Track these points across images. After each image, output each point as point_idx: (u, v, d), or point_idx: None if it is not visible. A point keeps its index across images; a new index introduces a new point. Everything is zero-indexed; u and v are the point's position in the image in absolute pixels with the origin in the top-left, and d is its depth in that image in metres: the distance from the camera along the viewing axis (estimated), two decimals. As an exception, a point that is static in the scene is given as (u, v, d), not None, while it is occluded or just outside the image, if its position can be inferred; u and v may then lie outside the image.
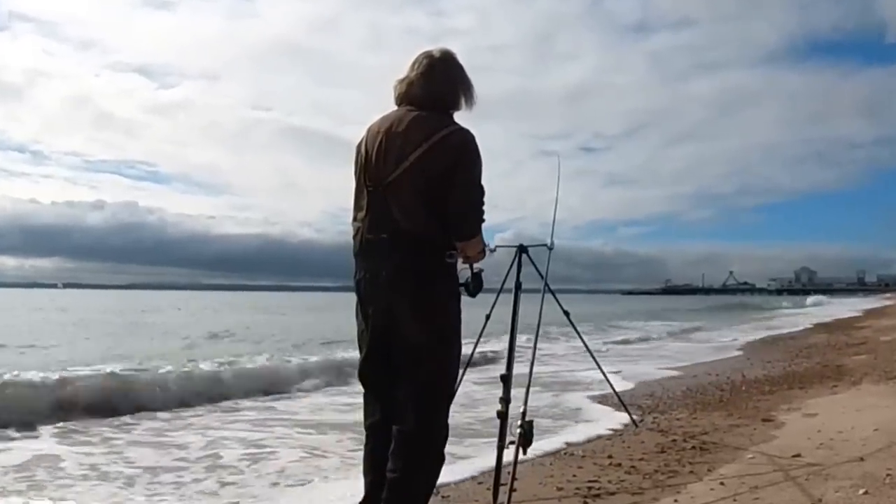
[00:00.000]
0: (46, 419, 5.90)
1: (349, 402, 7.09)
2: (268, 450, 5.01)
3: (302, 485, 4.11)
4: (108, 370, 7.74)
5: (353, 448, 4.91)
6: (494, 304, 4.21)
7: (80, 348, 14.64)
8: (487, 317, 4.37)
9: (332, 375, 8.72)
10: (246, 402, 7.27)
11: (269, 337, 18.62)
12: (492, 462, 3.48)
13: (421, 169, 2.52)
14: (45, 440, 5.36)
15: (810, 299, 53.93)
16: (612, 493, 3.59)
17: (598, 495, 3.56)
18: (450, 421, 2.66)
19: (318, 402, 7.38)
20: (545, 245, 4.16)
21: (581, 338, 5.73)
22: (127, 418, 6.24)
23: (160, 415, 6.47)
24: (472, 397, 6.76)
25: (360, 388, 2.80)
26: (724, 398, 6.59)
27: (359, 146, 2.72)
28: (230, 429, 5.85)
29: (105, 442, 5.31)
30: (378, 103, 2.84)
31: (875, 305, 38.32)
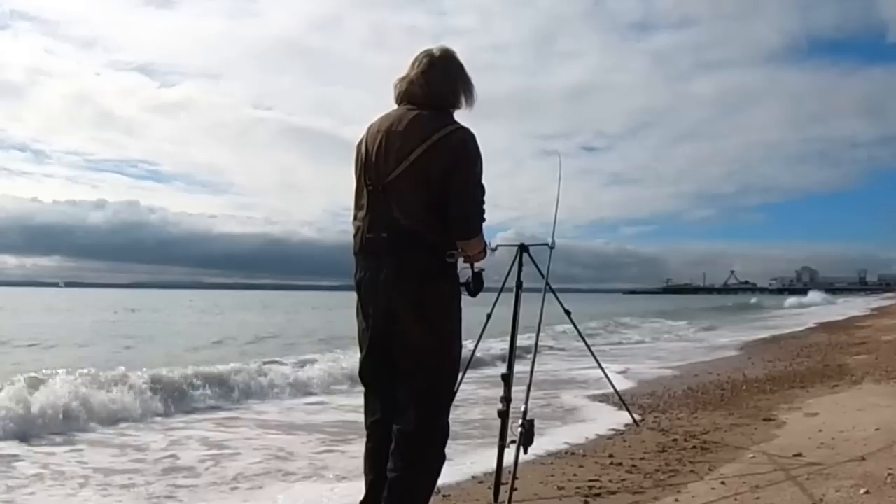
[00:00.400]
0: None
1: (322, 401, 7.06)
2: (229, 451, 4.94)
3: (260, 487, 4.04)
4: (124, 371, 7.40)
5: (319, 450, 4.87)
6: (495, 303, 4.21)
7: (106, 349, 14.51)
8: (489, 316, 4.37)
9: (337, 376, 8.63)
10: (227, 403, 7.14)
11: (285, 336, 18.62)
12: (493, 461, 3.47)
13: (421, 168, 2.52)
14: (7, 441, 5.21)
15: (810, 295, 52.95)
16: (613, 493, 3.58)
17: (598, 494, 3.56)
18: (450, 420, 2.65)
19: (294, 403, 7.24)
20: (546, 244, 4.16)
21: (582, 337, 5.74)
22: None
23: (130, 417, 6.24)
24: (473, 397, 6.75)
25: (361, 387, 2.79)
26: (725, 397, 6.59)
27: (359, 145, 2.71)
28: (194, 428, 5.80)
29: (68, 442, 5.25)
30: (379, 102, 2.83)
31: (877, 305, 38.28)
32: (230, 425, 6.00)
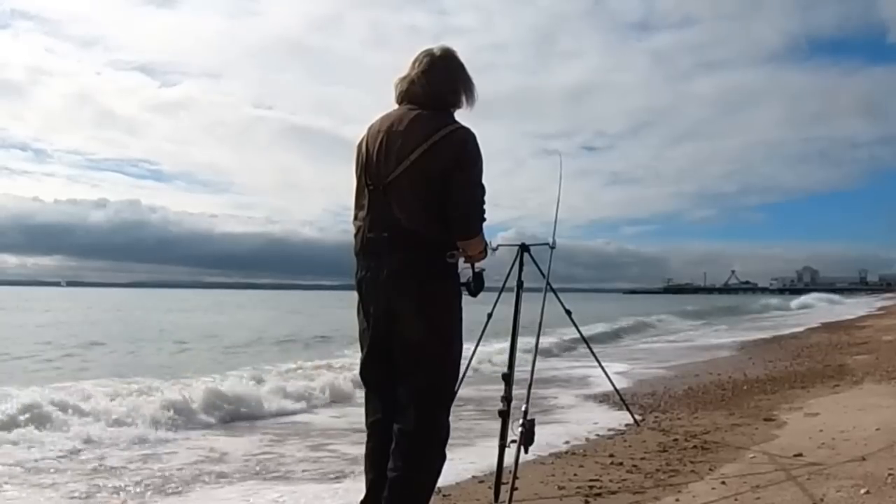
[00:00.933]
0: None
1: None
2: (165, 451, 4.86)
3: (187, 492, 3.96)
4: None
5: (256, 452, 4.81)
6: (496, 303, 4.22)
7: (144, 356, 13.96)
8: (489, 315, 4.38)
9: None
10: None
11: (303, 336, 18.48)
12: (493, 461, 3.48)
13: (422, 168, 2.52)
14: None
15: (814, 295, 52.24)
16: (614, 493, 3.58)
17: (599, 494, 3.56)
18: (451, 419, 2.66)
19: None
20: (547, 244, 4.16)
21: (583, 336, 5.75)
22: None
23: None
24: (474, 396, 6.75)
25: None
26: (726, 397, 6.59)
27: (359, 145, 2.72)
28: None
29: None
30: (379, 102, 2.83)
31: (880, 305, 38.20)
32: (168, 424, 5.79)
